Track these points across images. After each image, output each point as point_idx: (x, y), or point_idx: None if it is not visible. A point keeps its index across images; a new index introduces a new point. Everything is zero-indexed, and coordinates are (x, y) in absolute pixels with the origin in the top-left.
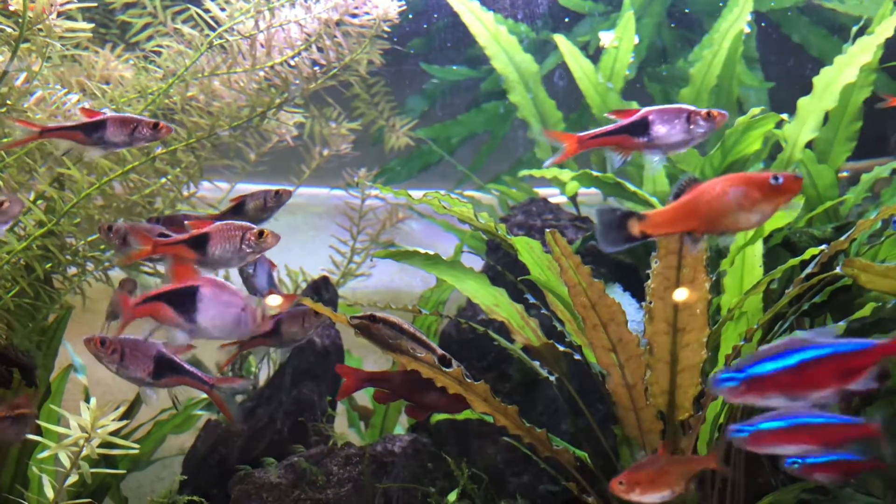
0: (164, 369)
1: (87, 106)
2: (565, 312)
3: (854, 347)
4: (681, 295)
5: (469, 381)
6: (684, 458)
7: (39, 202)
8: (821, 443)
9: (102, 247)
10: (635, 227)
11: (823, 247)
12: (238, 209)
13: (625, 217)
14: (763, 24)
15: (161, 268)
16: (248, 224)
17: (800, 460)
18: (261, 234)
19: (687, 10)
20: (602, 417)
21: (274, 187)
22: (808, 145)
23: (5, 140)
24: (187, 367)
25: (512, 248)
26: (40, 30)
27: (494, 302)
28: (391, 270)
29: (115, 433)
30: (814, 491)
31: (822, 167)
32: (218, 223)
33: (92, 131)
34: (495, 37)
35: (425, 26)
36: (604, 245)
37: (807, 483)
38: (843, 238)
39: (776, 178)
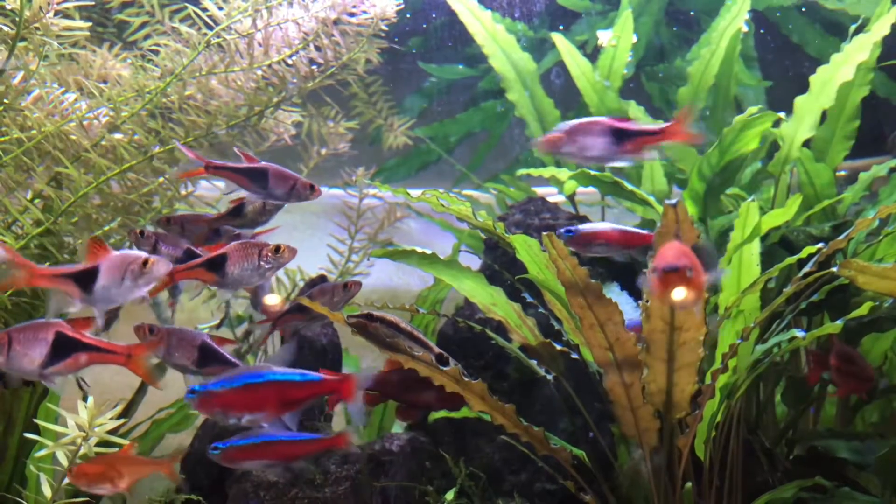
0: (209, 358)
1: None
2: (563, 311)
3: (292, 378)
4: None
5: (467, 379)
6: (140, 460)
7: (37, 201)
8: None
9: None
10: None
11: (821, 245)
12: (237, 212)
13: None
14: (761, 24)
15: None
16: (263, 241)
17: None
18: (277, 249)
19: (688, 11)
20: (599, 416)
21: None
22: (806, 144)
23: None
24: (230, 357)
25: (510, 246)
26: (37, 28)
27: (492, 301)
28: (389, 269)
29: (112, 432)
30: (811, 489)
31: (820, 166)
32: (233, 243)
33: (253, 178)
34: (493, 35)
35: (423, 25)
36: None
37: (804, 481)
38: (840, 237)
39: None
